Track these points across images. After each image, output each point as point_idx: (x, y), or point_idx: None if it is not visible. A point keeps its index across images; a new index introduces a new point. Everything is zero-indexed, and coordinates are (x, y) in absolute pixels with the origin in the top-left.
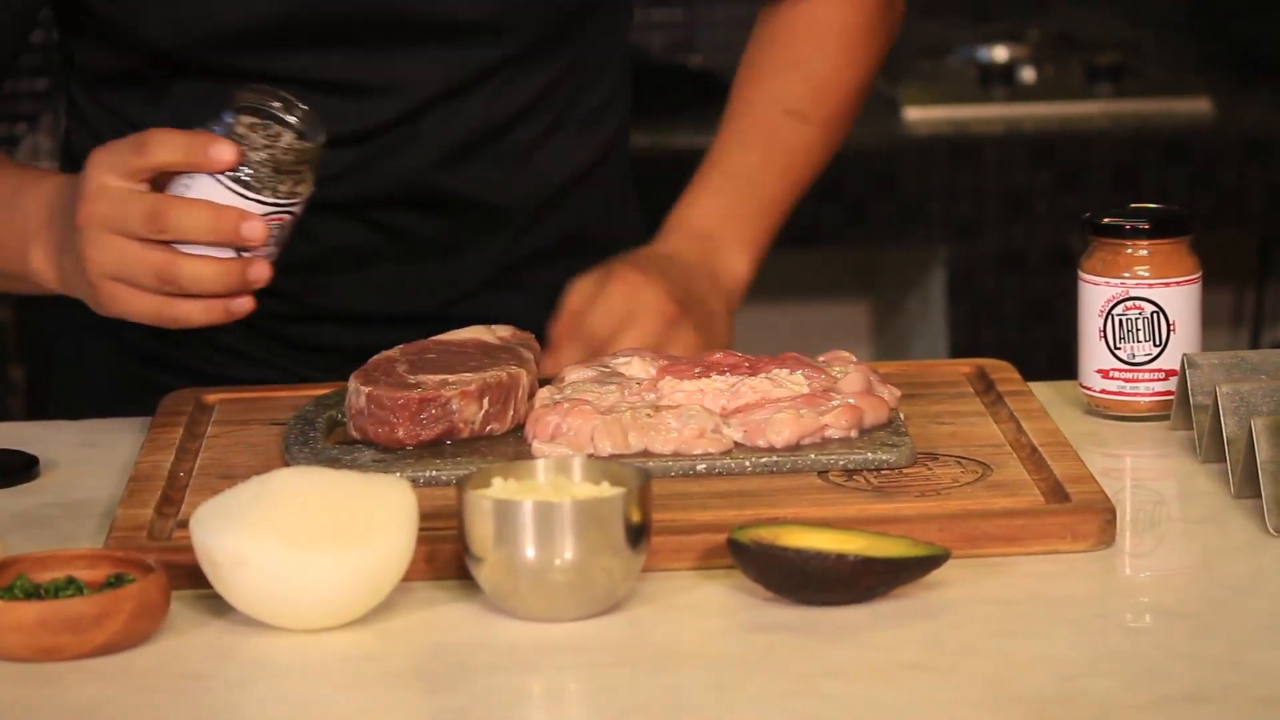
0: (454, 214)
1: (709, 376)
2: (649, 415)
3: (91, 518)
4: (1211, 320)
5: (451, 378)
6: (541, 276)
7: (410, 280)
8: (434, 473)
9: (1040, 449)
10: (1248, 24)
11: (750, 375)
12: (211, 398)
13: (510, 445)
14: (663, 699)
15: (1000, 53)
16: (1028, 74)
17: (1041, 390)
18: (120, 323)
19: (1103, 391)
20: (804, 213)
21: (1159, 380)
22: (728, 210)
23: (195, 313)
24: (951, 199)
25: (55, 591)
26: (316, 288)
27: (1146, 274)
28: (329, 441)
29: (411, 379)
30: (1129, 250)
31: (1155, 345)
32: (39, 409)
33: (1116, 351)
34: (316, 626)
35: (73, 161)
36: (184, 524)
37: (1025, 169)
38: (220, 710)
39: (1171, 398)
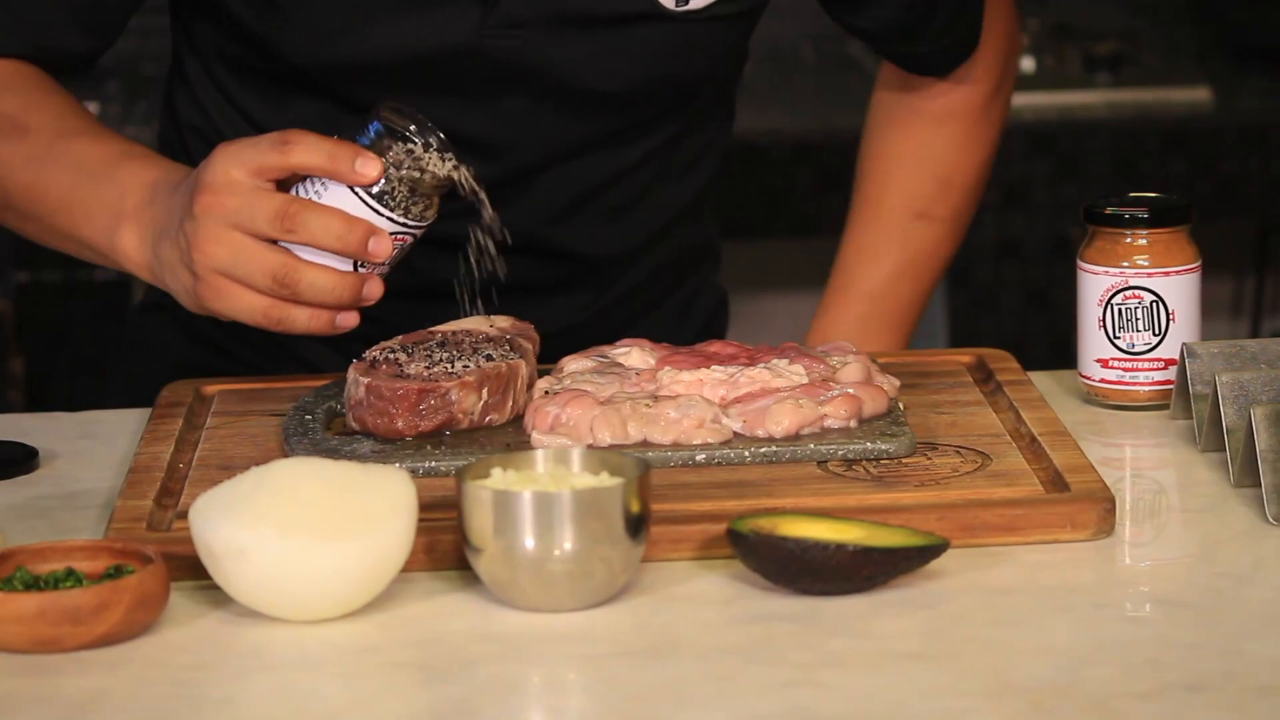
0: (550, 262)
1: (708, 367)
2: (648, 405)
3: (91, 509)
4: (1211, 309)
5: (450, 368)
6: (625, 311)
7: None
8: (433, 463)
9: (1039, 438)
10: (1246, 12)
11: (749, 365)
12: (210, 389)
13: (509, 436)
14: (662, 689)
15: None
16: (1026, 63)
17: (1041, 380)
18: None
19: (1102, 381)
20: (804, 204)
21: (1158, 369)
22: (865, 330)
23: (302, 319)
24: None
25: (55, 583)
26: (408, 314)
27: (1146, 263)
28: (328, 432)
29: (410, 370)
30: (1128, 239)
31: (1154, 334)
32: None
33: (1116, 341)
34: (316, 617)
35: (176, 126)
36: (183, 515)
37: (1024, 158)
38: (220, 701)
39: (1171, 387)
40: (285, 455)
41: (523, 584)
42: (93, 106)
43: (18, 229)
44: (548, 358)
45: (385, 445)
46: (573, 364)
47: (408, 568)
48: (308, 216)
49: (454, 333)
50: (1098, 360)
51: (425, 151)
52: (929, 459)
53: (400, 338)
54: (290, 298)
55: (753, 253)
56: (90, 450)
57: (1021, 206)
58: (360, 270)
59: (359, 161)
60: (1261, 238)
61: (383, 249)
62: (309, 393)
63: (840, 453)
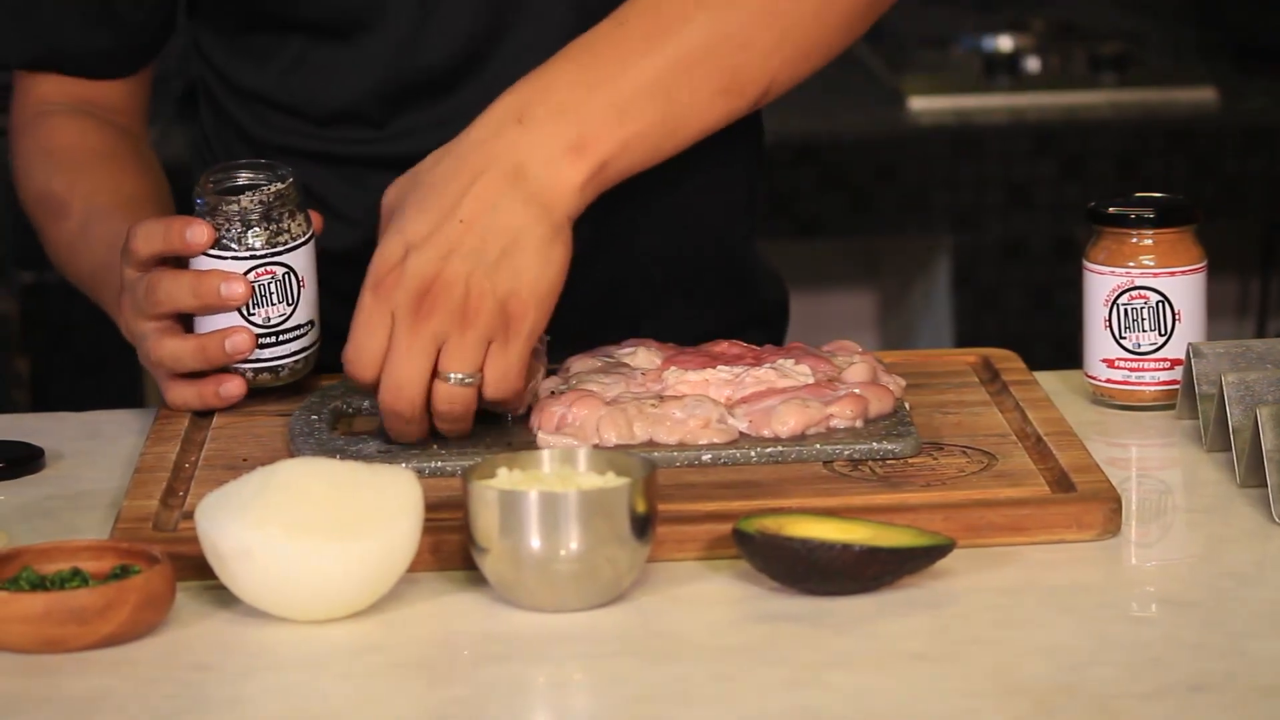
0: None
1: (714, 367)
2: (654, 405)
3: (97, 509)
4: (1216, 309)
5: None
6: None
7: None
8: (439, 463)
9: (1045, 438)
10: (1251, 13)
11: (755, 365)
12: None
13: (516, 435)
14: (668, 689)
15: (1004, 42)
16: (1031, 64)
17: (1047, 380)
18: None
19: (1108, 381)
20: (808, 203)
21: (1164, 369)
22: (574, 80)
23: (189, 397)
24: (956, 189)
25: (60, 583)
26: None
27: (1151, 263)
28: (334, 432)
29: None
30: (1134, 239)
31: (1160, 334)
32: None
33: (1122, 341)
34: (322, 617)
35: (208, 144)
36: (189, 515)
37: (1029, 158)
38: (225, 701)
39: (1177, 387)
40: (291, 455)
41: (529, 584)
42: None
43: None
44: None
45: (391, 445)
46: (579, 364)
47: (414, 568)
48: (161, 286)
49: None
50: (1103, 360)
51: (243, 186)
52: (935, 459)
53: None
54: (170, 375)
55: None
56: (96, 450)
57: (1026, 207)
58: (251, 318)
59: (189, 231)
60: (1267, 238)
61: (235, 292)
62: (315, 392)
63: (846, 453)
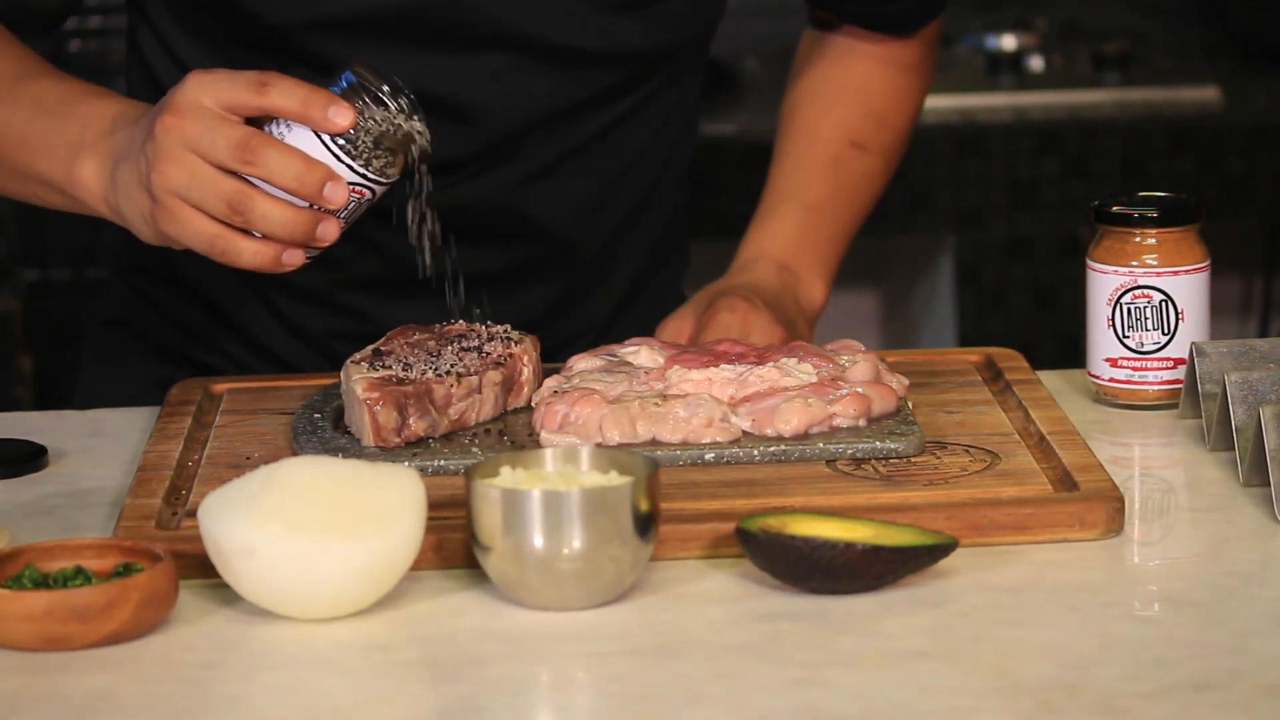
0: (520, 243)
1: (717, 365)
2: (657, 404)
3: (99, 507)
4: (1220, 308)
5: (444, 368)
6: (590, 307)
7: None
8: (442, 462)
9: (1048, 437)
10: (1255, 12)
11: (758, 364)
12: (219, 387)
13: (519, 434)
14: (670, 687)
15: (1008, 41)
16: (1035, 63)
17: (1050, 379)
18: (151, 322)
19: (1111, 380)
20: None
21: (1167, 369)
22: (801, 241)
23: (248, 251)
24: (959, 188)
25: (63, 581)
26: (377, 305)
27: (1155, 262)
28: (337, 431)
29: (402, 373)
30: (1137, 239)
31: (1163, 334)
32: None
33: (1125, 340)
34: (325, 616)
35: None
36: (192, 513)
37: (1033, 157)
38: (228, 699)
39: (1180, 386)
40: (294, 453)
41: (531, 582)
42: None
43: None
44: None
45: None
46: (581, 363)
47: (416, 566)
48: (268, 151)
49: (449, 332)
50: (1106, 359)
51: (395, 105)
52: (938, 458)
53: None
54: (242, 226)
55: None
56: (99, 448)
57: (1030, 206)
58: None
59: (332, 109)
60: (1270, 237)
61: (338, 196)
62: (318, 391)
63: (849, 451)
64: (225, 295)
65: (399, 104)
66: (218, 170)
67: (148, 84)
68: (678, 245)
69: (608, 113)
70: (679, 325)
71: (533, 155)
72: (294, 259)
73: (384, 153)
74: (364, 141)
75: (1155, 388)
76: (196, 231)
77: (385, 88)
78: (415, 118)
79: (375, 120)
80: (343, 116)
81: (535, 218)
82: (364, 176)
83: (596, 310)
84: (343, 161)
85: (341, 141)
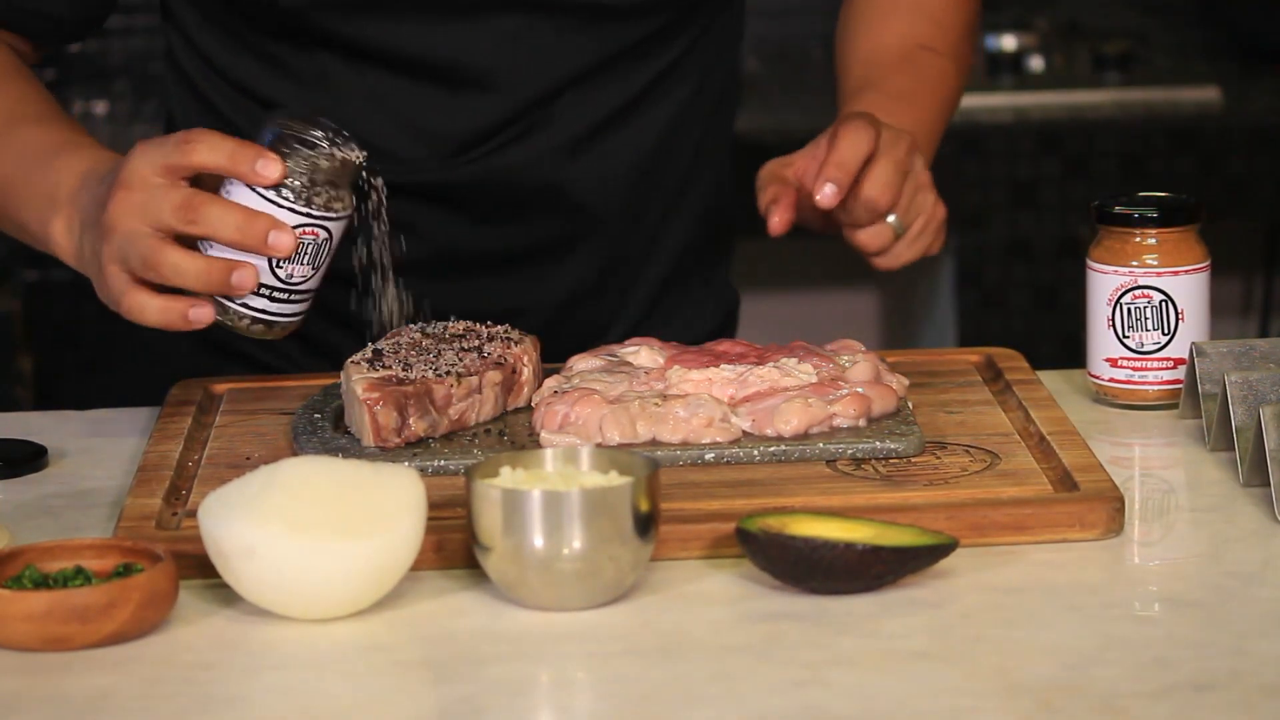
0: (555, 218)
1: (717, 365)
2: (657, 404)
3: (100, 507)
4: (1220, 309)
5: (444, 368)
6: (631, 295)
7: (509, 289)
8: (442, 462)
9: (1048, 438)
10: (1255, 13)
11: (758, 364)
12: (220, 387)
13: (519, 434)
14: (670, 688)
15: (1008, 41)
16: (1035, 63)
17: (1050, 379)
18: None
19: (1111, 380)
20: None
21: (1167, 369)
22: (895, 108)
23: (151, 308)
24: (960, 188)
25: (64, 581)
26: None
27: (1155, 262)
28: (337, 431)
29: (402, 373)
30: (1137, 239)
31: (1164, 334)
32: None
33: (1125, 340)
34: (325, 616)
35: (170, 120)
36: (192, 514)
37: (1033, 158)
38: (228, 700)
39: (1180, 386)
40: (294, 454)
41: (532, 583)
42: (101, 105)
43: None
44: (551, 352)
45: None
46: (581, 363)
47: (417, 566)
48: (209, 209)
49: (449, 332)
50: (1107, 359)
51: (323, 140)
52: (938, 458)
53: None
54: (155, 280)
55: (761, 251)
56: (99, 449)
57: (1030, 206)
58: (278, 269)
59: (260, 163)
60: (1270, 237)
61: (283, 243)
62: (318, 391)
63: (849, 452)
64: None
65: (327, 136)
66: (149, 230)
67: (191, 96)
68: (727, 220)
69: (639, 73)
70: (807, 156)
71: (563, 123)
72: (200, 315)
73: (323, 188)
74: (300, 182)
75: (1155, 388)
76: (111, 292)
77: (314, 131)
78: (347, 145)
79: (304, 159)
80: (271, 169)
81: (570, 191)
82: (309, 215)
83: (640, 290)
84: (283, 207)
85: (277, 188)
